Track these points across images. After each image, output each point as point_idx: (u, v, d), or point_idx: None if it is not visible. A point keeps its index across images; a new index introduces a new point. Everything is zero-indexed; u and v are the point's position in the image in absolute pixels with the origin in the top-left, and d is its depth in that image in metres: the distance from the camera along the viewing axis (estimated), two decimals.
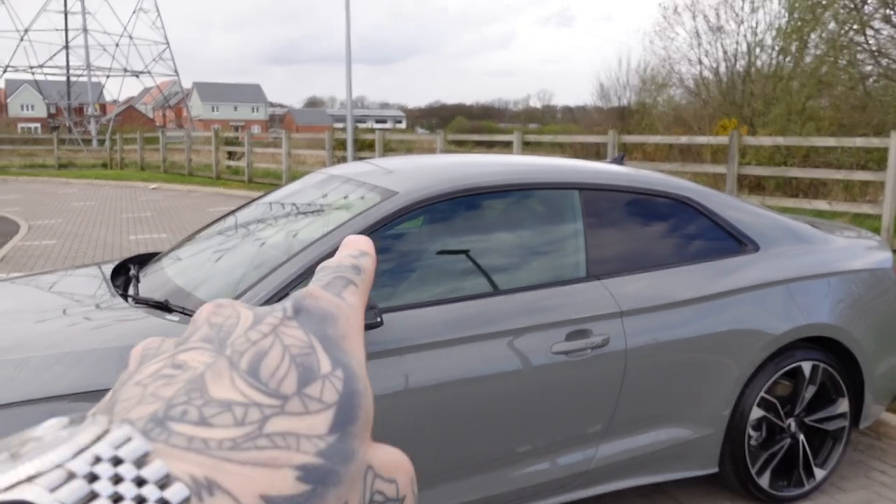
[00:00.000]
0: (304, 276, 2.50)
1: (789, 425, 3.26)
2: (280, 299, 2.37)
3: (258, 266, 2.64)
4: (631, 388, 2.87)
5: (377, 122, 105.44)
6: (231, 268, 2.80)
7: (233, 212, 3.62)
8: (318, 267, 0.36)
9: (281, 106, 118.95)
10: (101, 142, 38.45)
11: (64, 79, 64.36)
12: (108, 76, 65.38)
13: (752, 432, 3.17)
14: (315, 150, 20.27)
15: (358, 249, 0.38)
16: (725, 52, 17.13)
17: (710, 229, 3.21)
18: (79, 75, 62.89)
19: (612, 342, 2.82)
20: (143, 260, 3.52)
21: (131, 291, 2.85)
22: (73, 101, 64.52)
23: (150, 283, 2.95)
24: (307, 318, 0.31)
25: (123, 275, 3.22)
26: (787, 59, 16.30)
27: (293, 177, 18.60)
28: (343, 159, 17.67)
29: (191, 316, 2.39)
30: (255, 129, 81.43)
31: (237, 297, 2.46)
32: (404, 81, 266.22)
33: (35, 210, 15.05)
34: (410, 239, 2.79)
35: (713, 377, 3.03)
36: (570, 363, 2.74)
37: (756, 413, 3.15)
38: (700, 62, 18.33)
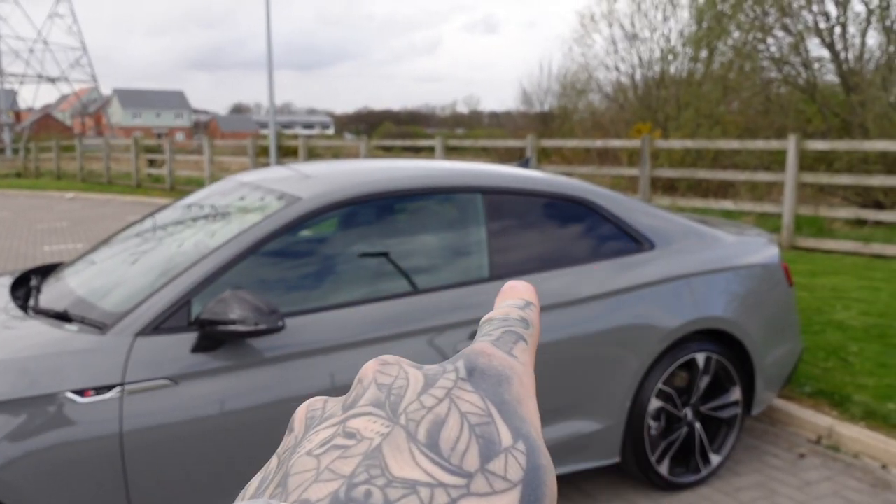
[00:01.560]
0: (206, 283, 2.52)
1: (686, 414, 3.42)
2: (181, 308, 2.39)
3: (160, 275, 2.64)
4: (545, 385, 2.98)
5: (304, 127, 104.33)
6: (133, 277, 2.79)
7: (138, 221, 3.60)
8: (484, 319, 0.34)
9: (205, 112, 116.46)
10: (16, 150, 37.01)
11: None
12: (21, 82, 62.99)
13: (651, 422, 3.32)
14: (239, 157, 20.02)
15: (523, 299, 0.35)
16: (640, 59, 17.66)
17: (608, 229, 3.35)
18: None
19: None
20: (47, 271, 3.46)
21: (31, 303, 2.82)
22: None
23: (51, 293, 2.91)
24: (481, 380, 0.30)
25: (26, 286, 3.17)
26: (697, 65, 16.91)
27: None
28: (267, 165, 17.49)
29: (92, 326, 2.39)
30: (180, 137, 79.57)
31: (136, 306, 2.46)
32: (332, 87, 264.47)
33: None
34: (318, 243, 2.83)
35: (614, 370, 3.16)
36: None
37: (654, 403, 3.30)
38: (617, 69, 18.83)
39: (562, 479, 3.49)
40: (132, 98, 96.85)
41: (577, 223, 3.31)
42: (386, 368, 0.31)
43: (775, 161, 11.38)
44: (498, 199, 3.15)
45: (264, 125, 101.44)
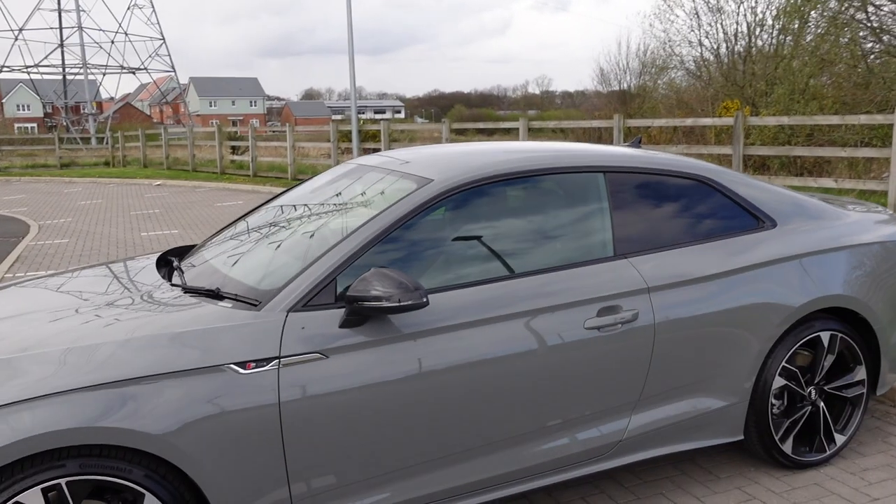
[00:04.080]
0: (347, 264, 2.62)
1: (810, 393, 3.38)
2: (328, 285, 2.49)
3: (304, 255, 2.76)
4: (660, 361, 3.00)
5: (376, 112, 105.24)
6: (276, 256, 2.92)
7: (266, 203, 3.75)
8: None
9: (278, 99, 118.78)
10: (101, 140, 38.48)
11: (60, 77, 64.30)
12: (104, 73, 65.21)
13: (774, 401, 3.30)
14: (317, 143, 20.37)
15: None
16: (726, 33, 17.18)
17: (729, 207, 3.33)
18: (75, 73, 62.80)
19: (640, 317, 2.94)
20: (181, 252, 3.64)
21: (180, 281, 2.98)
22: (70, 99, 64.44)
23: (194, 273, 3.07)
24: None
25: (167, 266, 3.35)
26: (788, 38, 16.35)
27: (298, 170, 18.72)
28: (347, 151, 17.77)
29: (245, 303, 2.52)
30: (254, 123, 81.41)
31: (286, 284, 2.58)
32: (402, 71, 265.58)
33: (42, 210, 15.17)
34: (448, 224, 2.90)
35: (736, 349, 3.15)
36: (603, 338, 2.87)
37: (778, 382, 3.28)
38: (700, 44, 18.38)
39: (683, 456, 3.51)
40: (208, 86, 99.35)
41: (699, 201, 3.30)
42: None
43: (875, 136, 10.98)
44: (620, 179, 3.16)
45: (336, 111, 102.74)
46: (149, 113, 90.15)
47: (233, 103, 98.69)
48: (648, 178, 3.23)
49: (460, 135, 20.13)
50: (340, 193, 3.32)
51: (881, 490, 3.24)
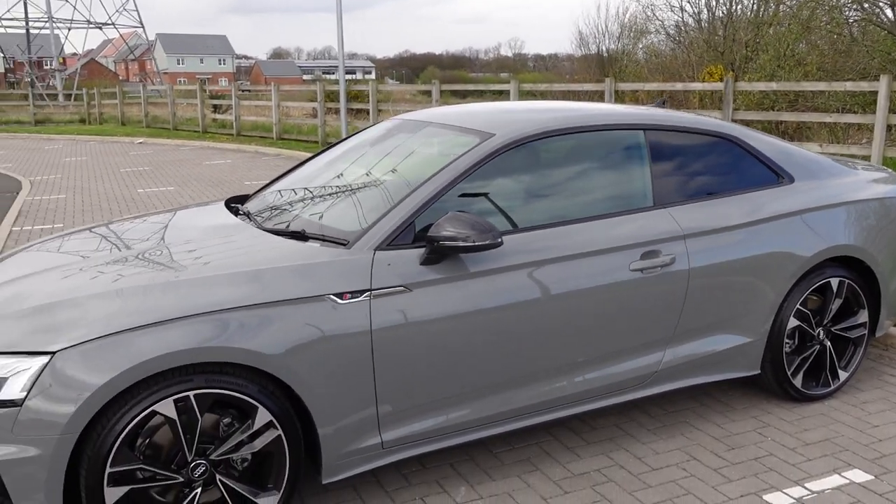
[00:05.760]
0: (424, 208, 2.89)
1: (818, 333, 3.76)
2: (408, 227, 2.78)
3: (379, 200, 3.03)
4: (692, 301, 3.34)
5: (346, 73, 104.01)
6: (350, 202, 3.19)
7: (315, 155, 4.00)
8: None
9: (246, 58, 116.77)
10: (68, 97, 37.75)
11: (22, 31, 62.59)
12: (69, 28, 63.61)
13: (787, 340, 3.66)
14: (300, 103, 20.35)
15: None
16: None
17: (752, 164, 3.66)
18: (40, 28, 61.16)
19: (677, 262, 3.27)
20: (240, 200, 3.88)
21: (259, 224, 3.23)
22: (33, 55, 62.79)
23: (267, 216, 3.33)
24: None
25: (237, 212, 3.59)
26: (768, 4, 16.67)
27: (284, 129, 18.75)
28: (332, 111, 17.82)
29: (335, 243, 2.79)
30: (223, 82, 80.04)
31: (371, 226, 2.85)
32: (371, 30, 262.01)
33: (28, 166, 15.10)
34: (509, 174, 3.18)
35: (757, 292, 3.50)
36: (645, 279, 3.20)
37: (792, 323, 3.64)
38: (682, 9, 18.66)
39: (700, 391, 3.88)
40: (175, 43, 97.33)
41: (725, 158, 3.62)
42: None
43: (855, 103, 11.40)
44: (658, 136, 3.47)
45: (307, 70, 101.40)
46: (114, 70, 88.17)
47: (201, 61, 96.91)
48: (682, 135, 3.54)
49: (455, 96, 20.17)
50: (402, 146, 3.58)
51: (880, 419, 3.64)
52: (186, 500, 2.53)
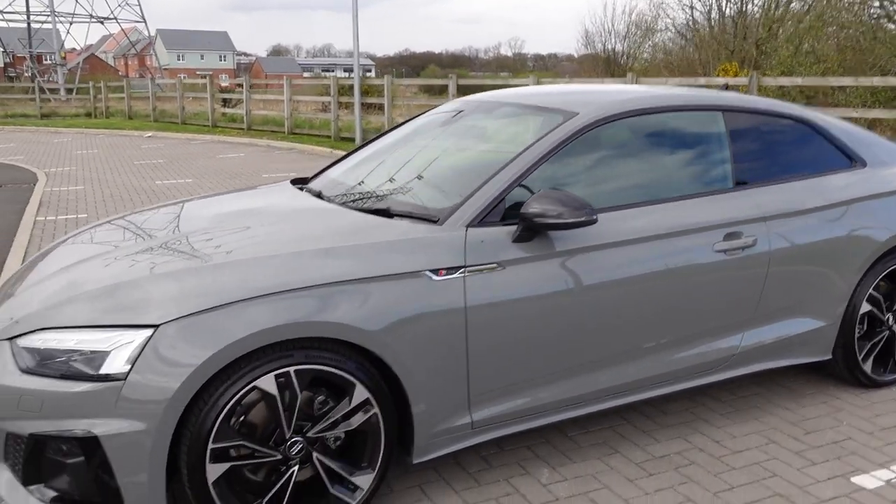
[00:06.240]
0: (513, 186, 2.86)
1: (888, 319, 3.73)
2: (498, 204, 2.74)
3: (465, 178, 3.00)
4: (771, 284, 3.31)
5: (345, 70, 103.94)
6: (434, 180, 3.16)
7: (379, 137, 3.97)
8: None
9: (246, 55, 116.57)
10: (70, 91, 37.63)
11: (23, 25, 62.33)
12: (71, 22, 63.37)
13: (858, 325, 3.64)
14: (312, 97, 20.25)
15: None
16: None
17: (826, 147, 3.64)
18: (42, 22, 60.94)
19: (758, 244, 3.25)
20: (303, 182, 3.85)
21: (339, 202, 3.20)
22: (35, 49, 62.56)
23: (342, 194, 3.29)
24: None
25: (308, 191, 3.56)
26: (779, 1, 16.66)
27: (295, 124, 18.70)
28: (346, 106, 17.78)
29: (424, 220, 2.75)
30: (224, 79, 79.82)
31: (461, 204, 2.82)
32: (371, 29, 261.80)
33: (40, 159, 15.03)
34: (592, 153, 3.15)
35: (833, 276, 3.48)
36: (727, 261, 3.17)
37: (864, 308, 3.61)
38: (692, 7, 18.64)
39: (765, 376, 3.85)
40: (176, 39, 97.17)
41: (801, 141, 3.59)
42: None
43: (876, 100, 11.40)
44: (736, 118, 3.44)
45: (307, 68, 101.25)
46: (113, 64, 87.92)
47: (201, 57, 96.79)
48: (758, 117, 3.51)
49: (468, 93, 20.03)
50: (477, 126, 3.55)
51: None
52: (283, 479, 2.50)
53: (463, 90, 14.88)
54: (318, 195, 3.41)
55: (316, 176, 3.90)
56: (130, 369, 2.28)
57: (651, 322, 3.04)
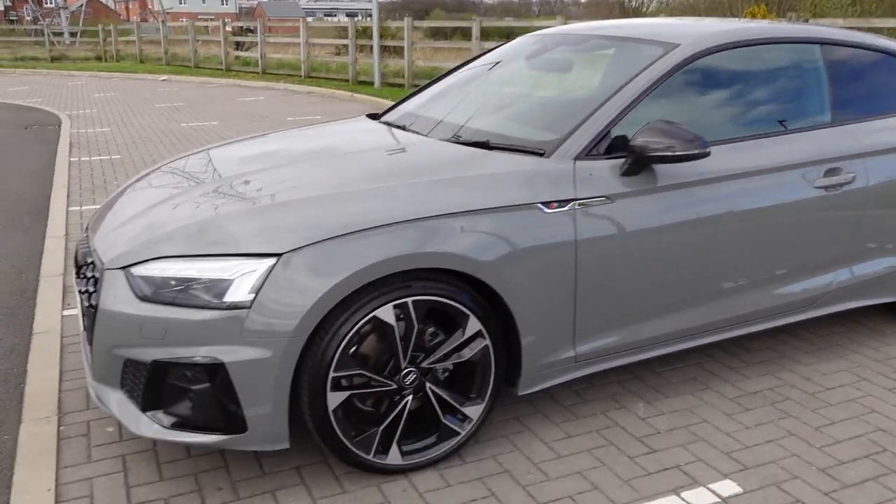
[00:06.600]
0: (620, 118, 2.79)
1: None
2: (604, 137, 2.67)
3: (569, 110, 2.94)
4: (867, 221, 3.27)
5: (347, 15, 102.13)
6: (535, 111, 3.10)
7: (458, 67, 3.89)
8: None
9: None
10: (73, 34, 37.03)
11: None
12: None
13: None
14: (329, 39, 19.93)
15: None
16: None
17: None
18: None
19: (857, 180, 3.19)
20: (374, 116, 3.78)
21: (434, 136, 3.14)
22: None
23: (442, 128, 3.21)
24: None
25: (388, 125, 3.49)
26: None
27: (312, 67, 18.43)
28: (361, 49, 17.50)
29: (530, 153, 2.69)
30: (227, 23, 78.49)
31: (568, 136, 2.76)
32: None
33: (59, 101, 14.86)
34: (694, 85, 3.08)
35: None
36: (827, 197, 3.12)
37: None
38: None
39: (845, 316, 3.83)
40: None
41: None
42: None
43: None
44: (833, 51, 3.35)
45: (310, 12, 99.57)
46: (115, 9, 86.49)
47: (203, 1, 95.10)
48: (855, 51, 3.42)
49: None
50: (567, 58, 3.46)
51: None
52: (397, 408, 2.49)
53: (485, 34, 14.61)
54: (403, 128, 3.35)
55: (390, 110, 3.83)
56: (255, 298, 2.26)
57: (753, 259, 3.00)
